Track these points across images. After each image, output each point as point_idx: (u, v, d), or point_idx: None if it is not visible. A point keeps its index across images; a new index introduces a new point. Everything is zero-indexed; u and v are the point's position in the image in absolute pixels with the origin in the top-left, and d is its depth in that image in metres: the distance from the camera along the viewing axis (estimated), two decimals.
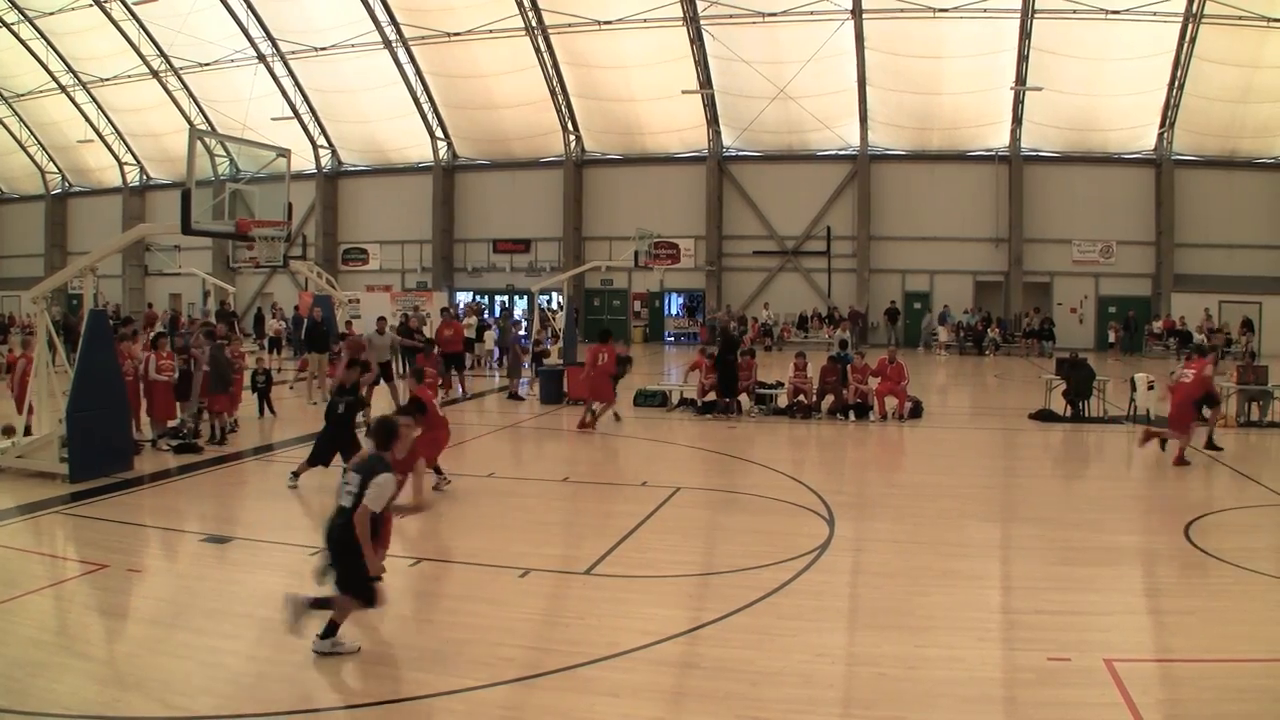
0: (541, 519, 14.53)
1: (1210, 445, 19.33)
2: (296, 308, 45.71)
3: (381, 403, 23.26)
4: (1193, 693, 8.16)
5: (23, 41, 56.13)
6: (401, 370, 28.85)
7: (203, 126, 54.92)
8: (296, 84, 55.46)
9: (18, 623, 9.65)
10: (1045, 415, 24.33)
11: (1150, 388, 23.96)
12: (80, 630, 9.68)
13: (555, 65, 51.00)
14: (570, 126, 54.31)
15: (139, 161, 64.11)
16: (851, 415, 24.10)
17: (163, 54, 55.34)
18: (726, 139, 53.05)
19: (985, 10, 42.89)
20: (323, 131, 58.26)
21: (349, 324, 33.53)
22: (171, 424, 19.99)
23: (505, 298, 57.12)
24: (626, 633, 9.27)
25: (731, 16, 45.79)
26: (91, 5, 52.36)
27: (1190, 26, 42.14)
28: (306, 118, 57.06)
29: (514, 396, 28.25)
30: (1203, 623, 9.74)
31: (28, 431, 17.29)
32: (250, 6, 51.75)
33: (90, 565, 11.44)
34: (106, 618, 10.09)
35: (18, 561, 11.87)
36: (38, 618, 9.94)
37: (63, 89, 59.36)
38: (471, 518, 14.52)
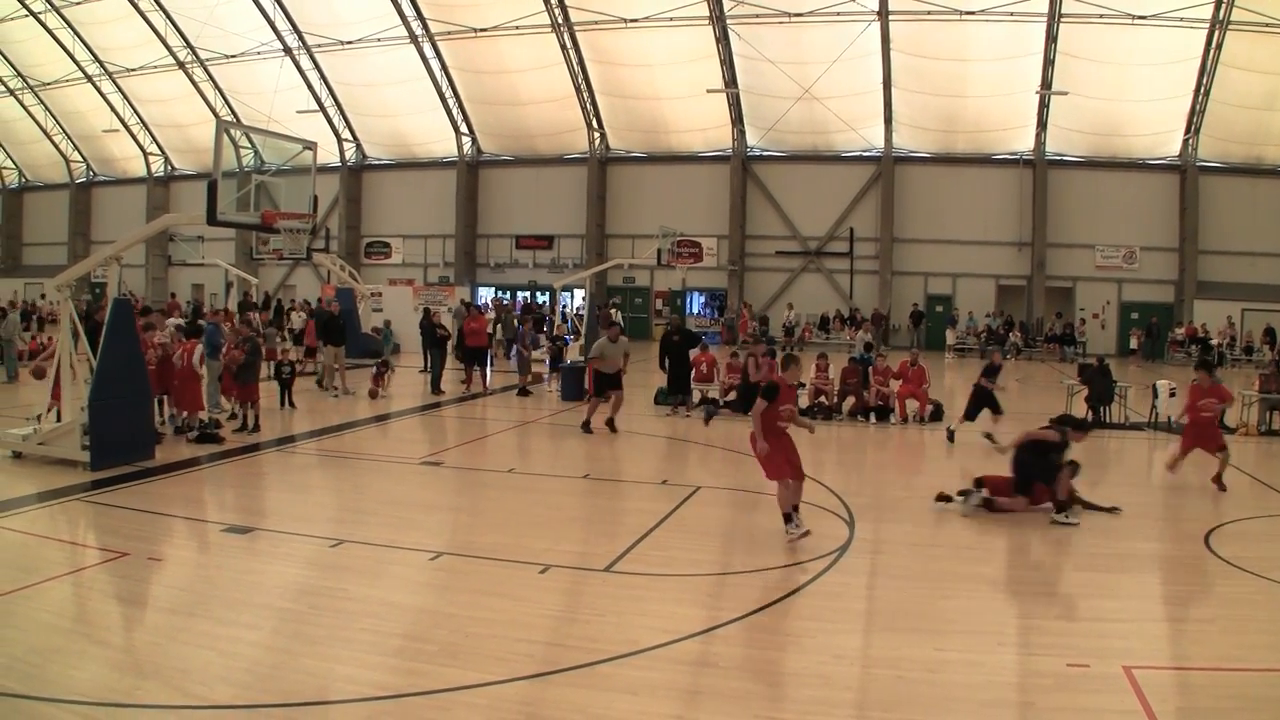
0: (562, 515, 14.52)
1: None
2: (320, 300, 45.80)
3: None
4: (1211, 701, 8.11)
5: (49, 31, 56.44)
6: (425, 365, 28.99)
7: (228, 118, 55.03)
8: (322, 77, 55.69)
9: (37, 608, 9.69)
10: (1066, 420, 24.21)
11: (1172, 394, 23.87)
12: (99, 617, 9.72)
13: (581, 62, 51.07)
14: (595, 124, 54.37)
15: (164, 152, 64.45)
16: (872, 417, 24.06)
17: (189, 45, 55.66)
18: (751, 138, 53.03)
19: (1011, 14, 42.75)
20: (347, 125, 58.50)
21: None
22: (201, 416, 20.08)
23: (525, 294, 57.27)
24: (645, 630, 9.26)
25: (757, 16, 45.77)
26: None
27: (1216, 33, 41.96)
28: (332, 111, 57.29)
29: (523, 393, 28.16)
30: (1222, 631, 9.70)
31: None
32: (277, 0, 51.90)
33: (110, 553, 11.48)
34: (125, 605, 10.12)
35: (38, 548, 11.91)
36: (57, 604, 9.98)
37: (89, 78, 59.68)
38: (492, 513, 14.54)
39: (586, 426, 21.49)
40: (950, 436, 21.30)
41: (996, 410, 21.02)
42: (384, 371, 27.23)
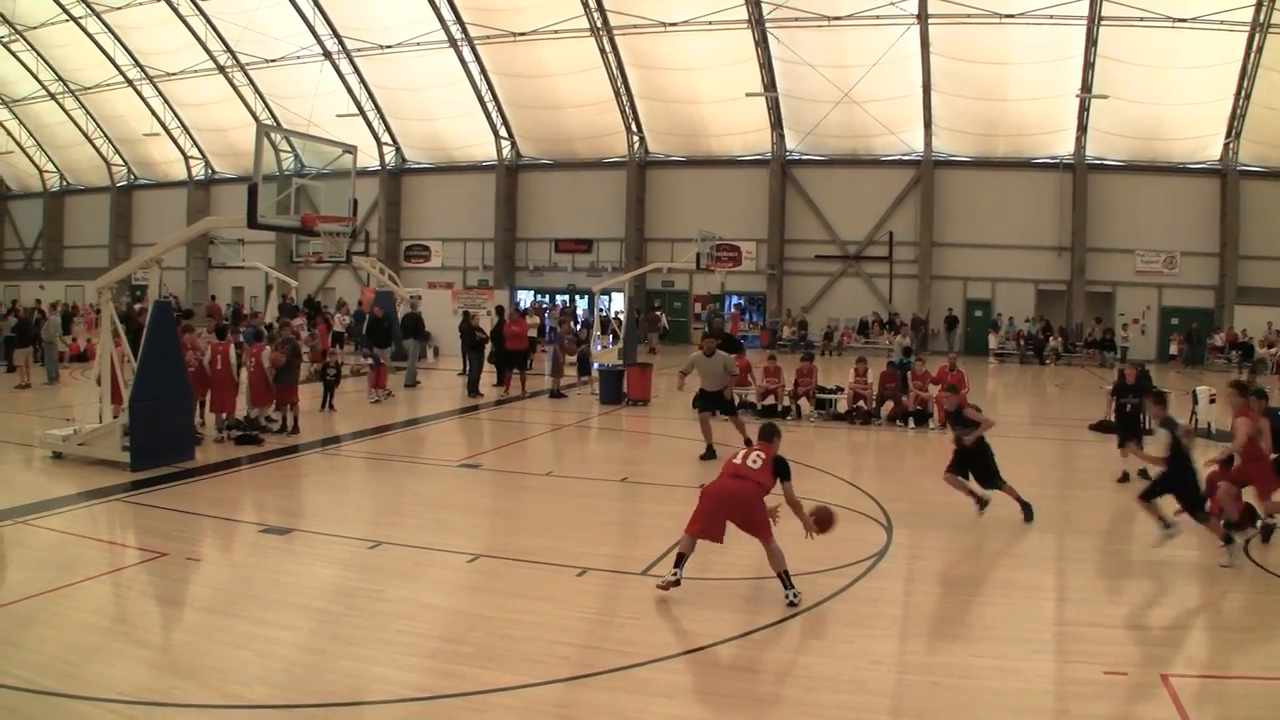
0: (599, 519, 14.56)
1: None
2: (360, 303, 45.99)
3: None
4: (1250, 712, 8.05)
5: (90, 35, 56.85)
6: (463, 368, 28.80)
7: (268, 122, 55.24)
8: (362, 81, 55.79)
9: (75, 608, 9.79)
10: (1105, 426, 24.01)
11: (1212, 400, 23.69)
12: (137, 617, 9.82)
13: (620, 66, 50.99)
14: (634, 127, 54.28)
15: (204, 155, 64.78)
16: (911, 422, 23.96)
17: (229, 50, 55.90)
18: (790, 142, 52.87)
19: (1051, 17, 42.44)
20: (387, 129, 58.59)
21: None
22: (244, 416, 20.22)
23: (564, 297, 57.37)
24: (681, 634, 9.28)
25: (796, 20, 45.56)
26: (159, 0, 53.04)
27: (1257, 36, 41.45)
28: (371, 115, 57.37)
29: (555, 395, 28.15)
30: (1261, 640, 9.63)
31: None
32: (317, 4, 52.14)
33: (149, 553, 11.58)
34: (164, 605, 10.22)
35: (77, 547, 12.03)
36: (95, 603, 10.08)
37: (130, 83, 60.12)
38: (529, 516, 14.58)
39: (709, 451, 19.49)
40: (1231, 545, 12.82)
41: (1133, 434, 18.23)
42: (376, 369, 27.26)
